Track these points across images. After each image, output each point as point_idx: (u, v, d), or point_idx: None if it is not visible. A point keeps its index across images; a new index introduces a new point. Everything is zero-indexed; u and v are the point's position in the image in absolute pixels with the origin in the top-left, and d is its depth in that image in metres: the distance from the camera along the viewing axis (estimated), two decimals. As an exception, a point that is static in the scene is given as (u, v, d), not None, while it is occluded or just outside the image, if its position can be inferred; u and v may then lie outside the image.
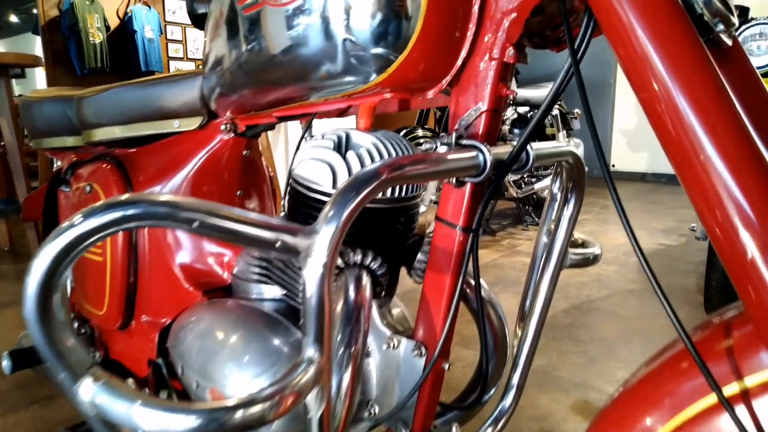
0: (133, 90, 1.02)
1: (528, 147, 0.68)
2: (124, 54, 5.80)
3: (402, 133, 3.16)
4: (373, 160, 0.74)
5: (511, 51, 0.62)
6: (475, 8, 0.62)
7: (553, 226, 0.99)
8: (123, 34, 5.80)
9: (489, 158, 0.62)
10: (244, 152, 1.00)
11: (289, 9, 0.66)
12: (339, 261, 0.73)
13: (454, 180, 0.67)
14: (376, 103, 0.74)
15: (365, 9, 0.62)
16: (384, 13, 0.61)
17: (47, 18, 5.51)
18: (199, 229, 0.47)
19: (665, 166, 6.07)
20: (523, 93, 3.93)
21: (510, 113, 3.86)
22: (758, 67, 2.74)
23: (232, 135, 0.97)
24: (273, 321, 0.81)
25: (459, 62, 0.65)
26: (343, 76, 0.68)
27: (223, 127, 0.95)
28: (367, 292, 0.72)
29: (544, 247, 1.00)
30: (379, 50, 0.63)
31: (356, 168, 0.73)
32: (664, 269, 3.04)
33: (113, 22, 5.80)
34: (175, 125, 0.99)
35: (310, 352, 0.52)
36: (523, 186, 3.79)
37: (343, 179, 0.74)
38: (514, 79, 3.91)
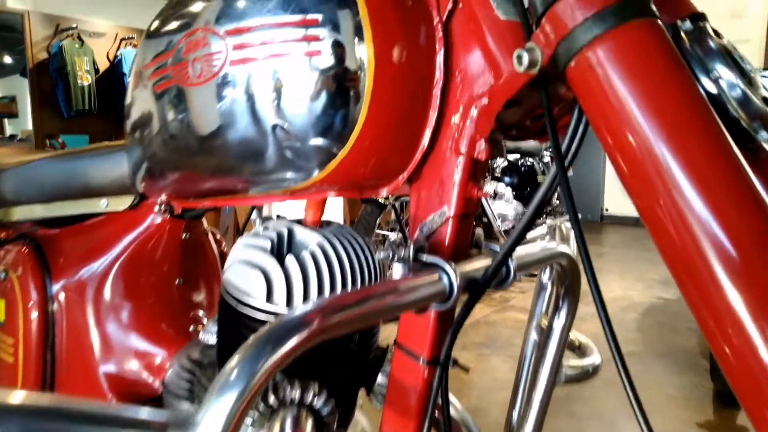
0: (57, 163, 0.89)
1: (509, 259, 0.54)
2: (112, 97, 5.72)
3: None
4: (318, 266, 0.60)
5: (482, 145, 0.49)
6: (436, 91, 0.49)
7: (544, 321, 0.85)
8: (112, 76, 5.74)
9: (456, 282, 0.48)
10: (184, 235, 0.86)
11: (204, 89, 0.52)
12: (271, 398, 0.58)
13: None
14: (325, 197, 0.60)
15: (297, 90, 0.49)
16: (320, 95, 0.48)
17: (36, 60, 5.45)
18: None
19: (660, 211, 5.98)
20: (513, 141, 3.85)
21: (500, 161, 3.76)
22: None
23: (168, 217, 0.83)
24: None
25: (418, 156, 0.52)
26: (281, 170, 0.54)
27: (156, 208, 0.81)
28: (307, 436, 0.57)
29: (534, 346, 0.85)
30: (318, 141, 0.50)
31: (296, 278, 0.59)
32: (663, 327, 2.88)
33: (102, 65, 5.75)
34: (102, 205, 0.85)
35: None
36: (515, 236, 3.65)
37: (279, 292, 0.59)
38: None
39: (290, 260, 0.60)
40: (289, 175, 0.54)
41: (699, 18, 0.41)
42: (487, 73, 0.47)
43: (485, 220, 3.41)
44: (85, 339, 0.85)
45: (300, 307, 0.41)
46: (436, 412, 0.71)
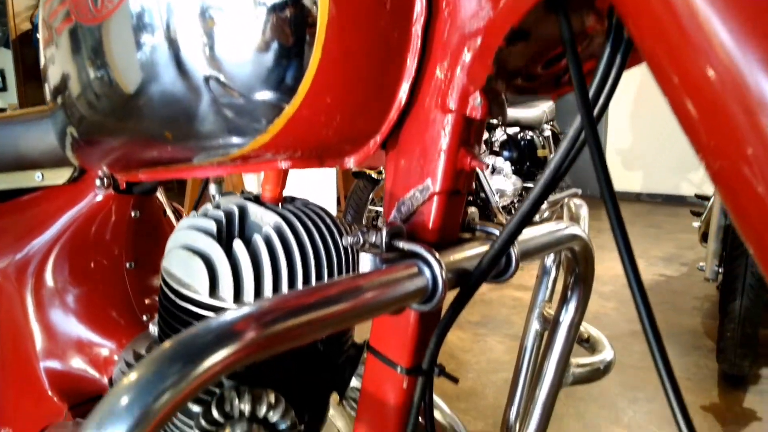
0: (-15, 130, 0.77)
1: (511, 247, 0.43)
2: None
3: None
4: (273, 253, 0.48)
5: (477, 100, 0.37)
6: (417, 29, 0.37)
7: (548, 309, 0.74)
8: (98, 46, 5.54)
9: (441, 276, 0.37)
10: (133, 213, 0.75)
11: (108, 28, 0.40)
12: (215, 412, 0.47)
13: (386, 307, 0.41)
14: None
15: (231, 28, 0.37)
16: (261, 34, 0.36)
17: (19, 32, 5.24)
18: None
19: (661, 186, 5.86)
20: (513, 113, 3.70)
21: (499, 134, 3.62)
22: None
23: (112, 192, 0.71)
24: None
25: (393, 115, 0.40)
26: (221, 133, 0.43)
27: (98, 182, 0.69)
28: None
29: (536, 337, 0.75)
30: (261, 94, 0.38)
31: (245, 268, 0.48)
32: (666, 306, 2.79)
33: (88, 34, 5.54)
34: (36, 178, 0.73)
35: None
36: (513, 212, 3.54)
37: (225, 285, 0.48)
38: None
39: (238, 246, 0.48)
40: (233, 138, 0.42)
41: None
42: (484, 1, 0.35)
43: (482, 195, 3.29)
44: (23, 330, 0.74)
45: (229, 312, 0.29)
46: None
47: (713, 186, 0.25)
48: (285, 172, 0.53)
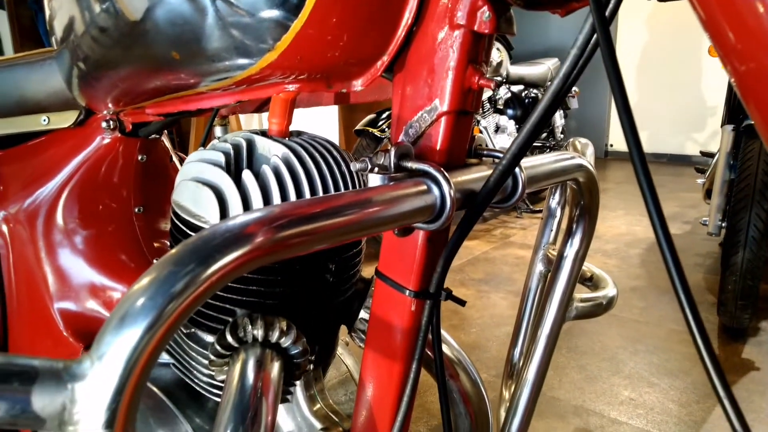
0: (-12, 74, 0.76)
1: (517, 169, 0.43)
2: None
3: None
4: (281, 182, 0.49)
5: (485, 14, 0.37)
6: (424, -62, 0.37)
7: (551, 251, 0.75)
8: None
9: (449, 194, 0.37)
10: (140, 157, 0.75)
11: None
12: (229, 338, 0.48)
13: (395, 229, 0.42)
14: (293, 95, 0.48)
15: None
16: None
17: (13, -9, 5.14)
18: None
19: (666, 146, 5.81)
20: (517, 70, 3.65)
21: (503, 92, 3.58)
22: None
23: (119, 135, 0.71)
24: (152, 404, 0.57)
25: (401, 33, 0.40)
26: (227, 54, 0.42)
27: (104, 124, 0.70)
28: (273, 379, 0.48)
29: (540, 278, 0.76)
30: (267, 12, 0.38)
31: (255, 196, 0.48)
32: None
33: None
34: (42, 122, 0.73)
35: None
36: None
37: (235, 214, 0.49)
38: (504, 55, 3.61)
39: (247, 176, 0.49)
40: (240, 59, 0.42)
41: None
42: None
43: (486, 154, 3.26)
44: (37, 274, 0.76)
45: (240, 216, 0.30)
46: (426, 350, 0.62)
47: (736, 90, 0.25)
48: (291, 106, 0.53)
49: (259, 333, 0.48)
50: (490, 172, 0.43)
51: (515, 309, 0.74)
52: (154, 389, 0.59)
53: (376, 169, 0.40)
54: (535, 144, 3.87)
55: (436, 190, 0.38)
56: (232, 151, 0.51)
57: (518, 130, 3.58)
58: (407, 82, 0.42)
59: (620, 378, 1.75)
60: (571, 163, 0.52)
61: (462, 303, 0.46)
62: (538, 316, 0.68)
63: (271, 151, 0.51)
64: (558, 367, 1.81)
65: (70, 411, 0.25)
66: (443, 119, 0.41)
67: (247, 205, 0.49)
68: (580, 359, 1.87)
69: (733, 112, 2.23)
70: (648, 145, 5.93)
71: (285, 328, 0.49)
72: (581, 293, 0.68)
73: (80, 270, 0.75)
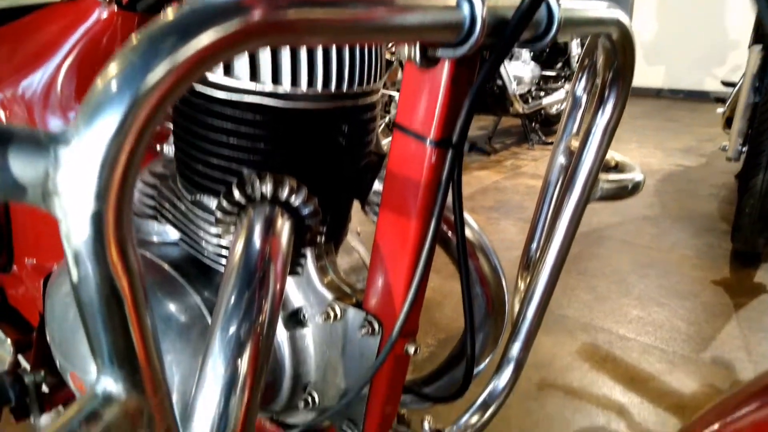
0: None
1: (553, 1, 0.39)
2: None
3: None
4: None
5: None
6: None
7: (574, 143, 0.71)
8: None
9: (480, 14, 0.33)
10: (140, 34, 0.70)
11: None
12: (236, 193, 0.46)
13: (417, 53, 0.38)
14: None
15: None
16: None
17: None
18: None
19: (683, 82, 5.63)
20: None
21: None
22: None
23: (115, 8, 0.67)
24: (161, 279, 0.56)
25: None
26: None
27: (100, -6, 0.65)
28: (283, 240, 0.46)
29: (561, 171, 0.73)
30: None
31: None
32: (682, 193, 2.77)
33: None
34: (33, -7, 0.69)
35: (107, 384, 0.26)
36: (530, 100, 3.43)
37: (242, 62, 0.45)
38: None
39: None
40: None
41: None
42: None
43: (499, 82, 3.17)
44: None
45: None
46: (443, 229, 0.60)
47: None
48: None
49: (267, 189, 0.46)
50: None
51: (525, 234, 0.71)
52: (163, 264, 0.57)
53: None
54: (549, 74, 3.75)
55: (466, 7, 0.34)
56: None
57: (533, 58, 3.46)
58: None
59: (630, 299, 1.75)
60: (606, 16, 0.47)
61: (488, 153, 0.43)
62: (559, 203, 0.65)
63: None
64: (567, 288, 1.81)
65: (54, 178, 0.22)
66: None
67: (252, 55, 0.45)
68: (590, 281, 1.87)
69: (762, 31, 2.13)
70: (664, 81, 5.75)
71: (295, 186, 0.47)
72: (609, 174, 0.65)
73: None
